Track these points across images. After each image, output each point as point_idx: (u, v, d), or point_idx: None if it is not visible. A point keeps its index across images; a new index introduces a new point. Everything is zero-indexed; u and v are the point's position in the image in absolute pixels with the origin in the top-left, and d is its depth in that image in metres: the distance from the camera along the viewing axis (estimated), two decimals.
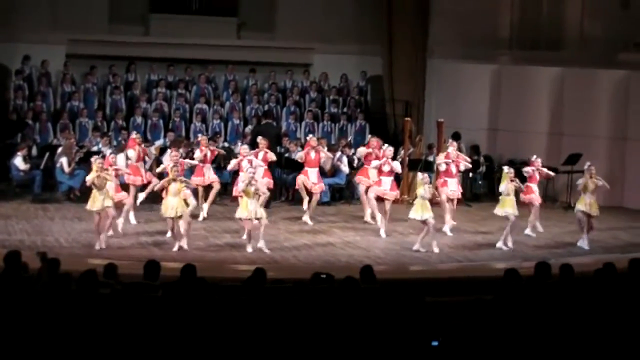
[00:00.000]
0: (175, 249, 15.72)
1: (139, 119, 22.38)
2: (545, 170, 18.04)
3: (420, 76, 24.21)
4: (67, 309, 8.65)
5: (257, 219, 15.82)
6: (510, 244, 16.78)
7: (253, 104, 23.51)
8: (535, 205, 17.74)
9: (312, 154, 18.67)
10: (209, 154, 18.54)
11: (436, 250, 16.33)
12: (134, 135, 18.64)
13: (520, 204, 17.30)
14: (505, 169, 17.17)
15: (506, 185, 16.75)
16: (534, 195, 17.67)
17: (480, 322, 8.98)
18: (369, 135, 20.85)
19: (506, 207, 16.70)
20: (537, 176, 17.84)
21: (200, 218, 18.14)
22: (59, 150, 20.09)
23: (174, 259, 14.67)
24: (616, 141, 21.90)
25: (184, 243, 15.86)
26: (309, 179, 18.60)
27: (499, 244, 16.77)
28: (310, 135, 19.61)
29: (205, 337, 8.54)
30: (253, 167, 16.83)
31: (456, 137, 22.25)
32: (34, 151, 20.84)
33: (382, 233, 17.55)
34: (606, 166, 21.19)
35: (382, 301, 9.19)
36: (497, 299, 9.62)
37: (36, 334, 8.35)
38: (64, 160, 19.65)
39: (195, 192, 18.06)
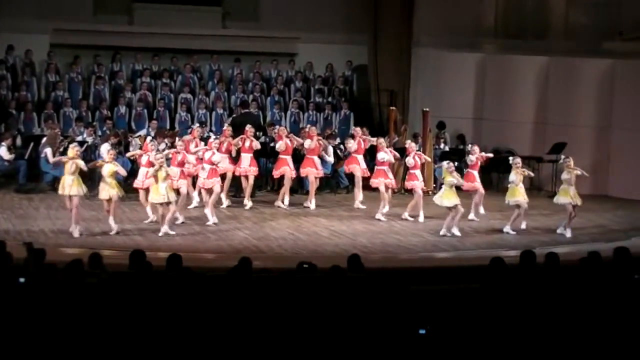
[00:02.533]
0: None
1: (123, 109, 22.33)
2: (484, 154, 18.46)
3: (405, 65, 24.20)
4: (53, 299, 8.63)
5: (168, 202, 16.05)
6: (523, 225, 17.23)
7: (238, 93, 23.49)
8: (478, 191, 18.24)
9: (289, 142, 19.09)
10: (225, 144, 18.62)
11: (458, 234, 16.82)
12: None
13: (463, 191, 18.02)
14: (511, 159, 17.55)
15: (516, 175, 17.14)
16: (477, 183, 18.16)
17: (466, 310, 8.99)
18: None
19: (516, 196, 17.14)
20: (478, 163, 18.27)
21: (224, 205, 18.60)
22: (44, 140, 20.01)
23: (159, 248, 14.65)
24: (601, 130, 21.95)
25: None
26: (290, 166, 18.97)
27: (507, 228, 17.15)
28: (282, 126, 19.90)
29: (190, 326, 8.53)
30: (163, 152, 16.95)
31: (441, 126, 22.31)
32: (18, 141, 20.77)
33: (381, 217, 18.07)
34: (591, 155, 21.25)
35: (368, 290, 9.20)
36: (483, 287, 9.63)
37: (22, 325, 8.32)
38: (48, 151, 19.56)
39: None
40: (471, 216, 18.19)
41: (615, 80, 21.79)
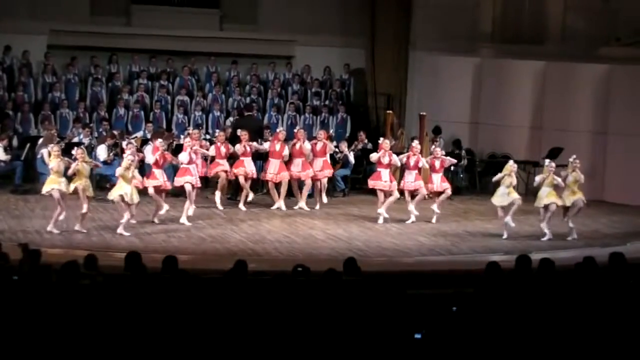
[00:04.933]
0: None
1: (121, 111, 22.32)
2: (447, 159, 18.83)
3: (402, 69, 24.22)
4: (47, 300, 8.62)
5: (130, 204, 16.25)
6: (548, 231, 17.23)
7: (235, 95, 23.49)
8: (421, 193, 18.46)
9: (277, 146, 19.11)
10: (223, 149, 18.78)
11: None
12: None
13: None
14: (547, 162, 17.57)
15: (541, 177, 17.24)
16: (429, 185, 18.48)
17: (462, 315, 8.99)
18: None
19: (550, 197, 17.09)
20: (438, 165, 18.52)
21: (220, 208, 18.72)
22: (40, 141, 20.00)
23: (155, 250, 14.66)
24: (597, 135, 21.97)
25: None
26: (268, 169, 19.14)
27: (546, 231, 17.15)
28: (280, 129, 19.86)
29: (185, 329, 8.52)
30: (132, 154, 16.94)
31: (437, 131, 22.31)
32: (15, 142, 20.75)
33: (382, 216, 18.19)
34: (587, 160, 21.25)
35: (364, 293, 9.20)
36: (479, 291, 9.64)
37: (16, 325, 8.32)
38: (44, 152, 19.53)
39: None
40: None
41: (611, 86, 21.82)
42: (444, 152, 20.84)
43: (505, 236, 17.10)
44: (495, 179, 17.53)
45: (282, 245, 16.12)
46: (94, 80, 22.91)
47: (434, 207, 18.31)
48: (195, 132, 18.91)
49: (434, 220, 18.27)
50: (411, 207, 18.27)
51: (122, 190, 16.15)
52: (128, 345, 8.32)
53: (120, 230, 16.20)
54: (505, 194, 17.15)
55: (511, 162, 17.59)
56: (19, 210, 18.03)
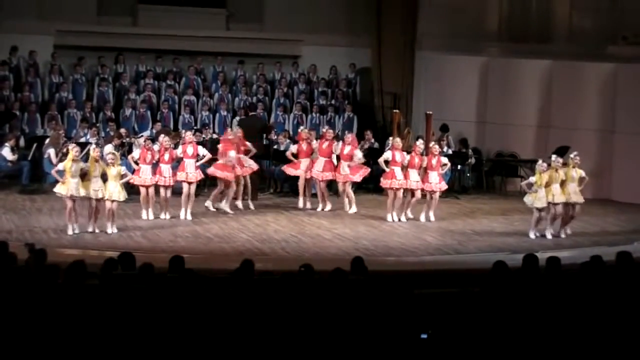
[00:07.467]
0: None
1: (128, 111, 22.35)
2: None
3: (408, 68, 24.22)
4: (54, 300, 8.63)
5: (113, 200, 16.24)
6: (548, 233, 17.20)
7: (241, 95, 23.52)
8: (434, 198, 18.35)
9: (304, 146, 19.02)
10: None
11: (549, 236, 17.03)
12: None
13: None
14: (553, 157, 17.40)
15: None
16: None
17: (469, 314, 8.99)
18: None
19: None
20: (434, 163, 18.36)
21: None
22: (47, 141, 20.04)
23: (162, 250, 14.66)
24: (604, 134, 21.95)
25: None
26: (315, 167, 18.99)
27: (549, 233, 17.16)
28: (301, 127, 19.78)
29: (192, 328, 8.53)
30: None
31: (445, 129, 22.30)
32: (22, 142, 20.79)
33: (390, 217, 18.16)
34: (594, 159, 21.25)
35: (370, 293, 9.20)
36: (486, 291, 9.63)
37: (23, 325, 8.33)
38: (51, 152, 19.60)
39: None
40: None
41: (618, 84, 21.80)
42: (450, 151, 20.81)
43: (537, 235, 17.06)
44: (524, 186, 17.29)
45: (289, 244, 16.11)
46: (101, 80, 22.95)
47: (430, 214, 18.33)
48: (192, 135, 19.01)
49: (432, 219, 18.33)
50: (422, 215, 18.30)
51: (109, 190, 16.17)
52: (134, 345, 8.33)
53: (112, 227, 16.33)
54: (543, 196, 16.89)
55: (540, 161, 17.32)
56: (26, 210, 18.04)
